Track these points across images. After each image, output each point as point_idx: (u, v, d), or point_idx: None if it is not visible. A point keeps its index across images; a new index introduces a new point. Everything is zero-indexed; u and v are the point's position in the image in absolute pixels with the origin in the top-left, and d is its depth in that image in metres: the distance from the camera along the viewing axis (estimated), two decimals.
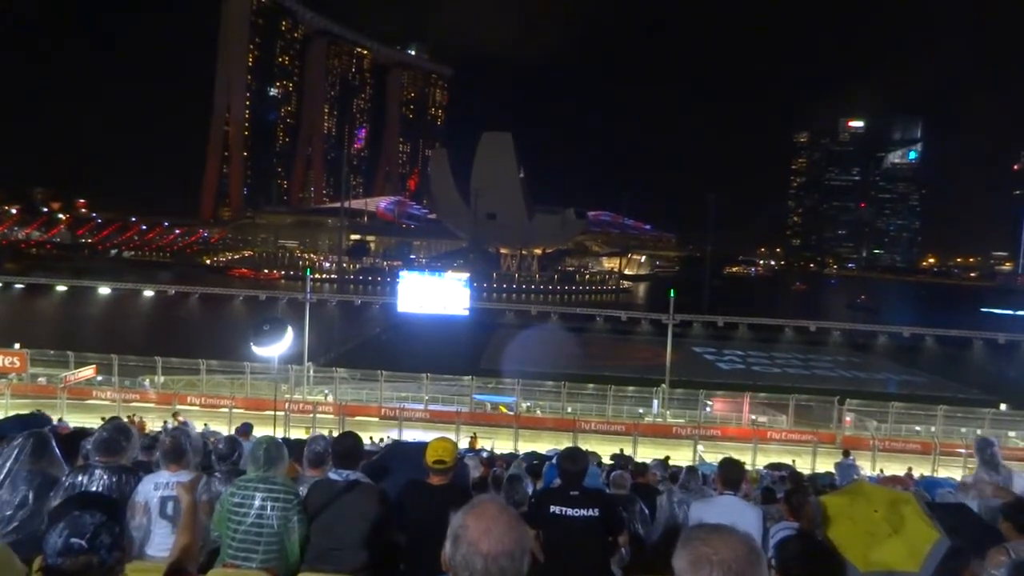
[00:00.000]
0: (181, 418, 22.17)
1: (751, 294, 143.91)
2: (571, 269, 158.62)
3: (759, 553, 1.70)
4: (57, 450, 4.48)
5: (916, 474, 19.49)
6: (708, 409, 35.65)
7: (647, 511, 6.53)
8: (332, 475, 4.43)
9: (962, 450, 27.99)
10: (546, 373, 38.29)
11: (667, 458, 18.67)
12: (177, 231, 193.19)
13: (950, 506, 5.08)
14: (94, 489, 4.09)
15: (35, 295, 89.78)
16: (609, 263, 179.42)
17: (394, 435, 26.63)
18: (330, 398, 35.53)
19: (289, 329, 15.99)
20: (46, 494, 4.04)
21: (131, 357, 34.73)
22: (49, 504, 3.98)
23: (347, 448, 4.59)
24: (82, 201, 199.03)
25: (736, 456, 6.29)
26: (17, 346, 35.83)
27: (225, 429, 21.97)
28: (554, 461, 7.87)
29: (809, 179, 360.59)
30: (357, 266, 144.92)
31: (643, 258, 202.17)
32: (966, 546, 3.76)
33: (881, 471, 23.31)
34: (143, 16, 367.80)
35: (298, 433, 23.10)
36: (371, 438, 22.55)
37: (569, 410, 34.17)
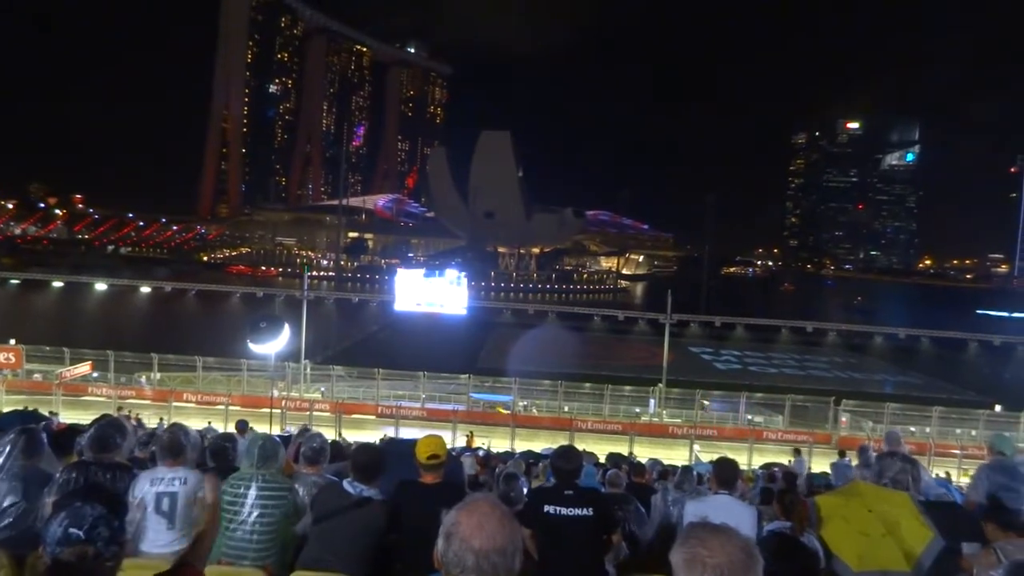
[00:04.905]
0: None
1: (742, 294, 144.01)
2: (569, 268, 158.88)
3: (757, 559, 1.70)
4: (48, 447, 4.47)
5: None
6: (705, 409, 35.74)
7: (643, 510, 6.54)
8: (347, 486, 4.33)
9: (957, 451, 28.12)
10: (543, 372, 38.32)
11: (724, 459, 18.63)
12: (174, 228, 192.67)
13: (944, 506, 5.08)
14: None
15: (31, 291, 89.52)
16: (607, 262, 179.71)
17: (391, 433, 26.63)
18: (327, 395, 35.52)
19: (286, 326, 16.05)
20: (39, 491, 4.02)
21: (127, 354, 34.71)
22: (42, 501, 3.97)
23: (367, 462, 4.46)
24: (79, 197, 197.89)
25: (732, 456, 6.31)
26: (13, 342, 35.74)
27: (221, 426, 21.95)
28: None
29: (807, 180, 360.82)
30: (355, 264, 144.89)
31: (641, 258, 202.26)
32: (959, 547, 3.77)
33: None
34: (142, 11, 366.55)
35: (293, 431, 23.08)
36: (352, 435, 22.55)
37: (566, 409, 34.22)
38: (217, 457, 5.35)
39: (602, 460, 14.96)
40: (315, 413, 30.21)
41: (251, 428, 12.26)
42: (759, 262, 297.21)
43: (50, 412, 24.98)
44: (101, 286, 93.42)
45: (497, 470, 9.78)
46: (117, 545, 2.06)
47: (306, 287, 45.00)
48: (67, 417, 20.44)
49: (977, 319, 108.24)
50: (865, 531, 3.87)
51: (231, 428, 14.09)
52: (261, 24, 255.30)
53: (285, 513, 4.15)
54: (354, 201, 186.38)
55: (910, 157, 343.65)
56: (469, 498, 1.88)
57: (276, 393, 28.56)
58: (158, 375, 34.72)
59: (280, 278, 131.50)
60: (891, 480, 4.40)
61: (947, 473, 21.16)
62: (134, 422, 19.17)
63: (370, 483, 4.38)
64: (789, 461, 19.45)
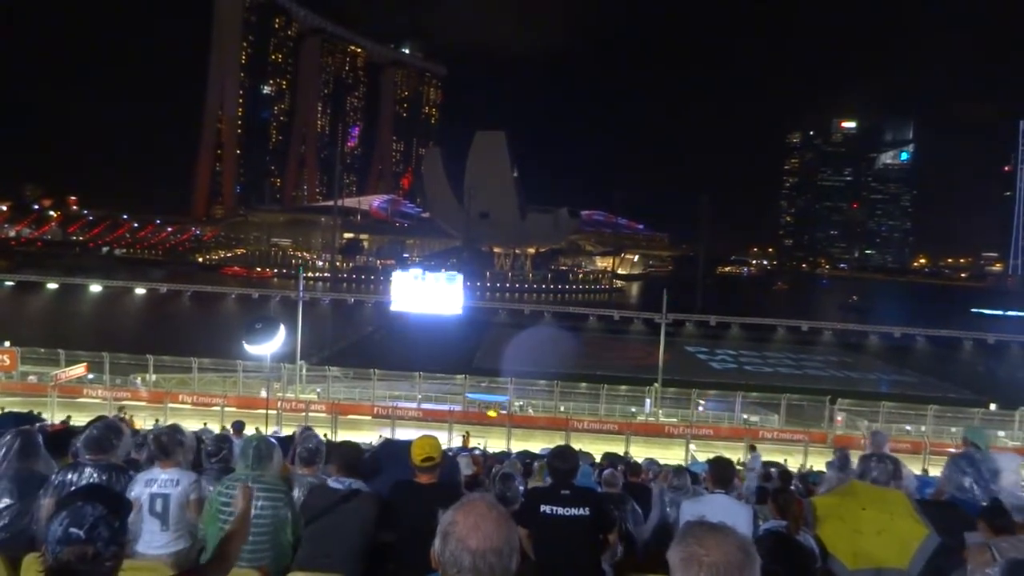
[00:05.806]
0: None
1: (737, 294, 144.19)
2: (564, 268, 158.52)
3: (754, 558, 1.69)
4: (44, 448, 4.45)
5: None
6: (701, 408, 35.77)
7: (639, 510, 6.55)
8: (332, 483, 4.39)
9: (952, 449, 28.15)
10: (539, 372, 38.31)
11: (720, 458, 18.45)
12: (169, 229, 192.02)
13: (939, 504, 5.11)
14: None
15: (25, 293, 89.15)
16: (602, 262, 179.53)
17: (387, 433, 26.58)
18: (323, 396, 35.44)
19: (281, 327, 15.99)
20: (34, 493, 4.01)
21: (122, 355, 34.58)
22: (38, 503, 3.96)
23: (347, 455, 4.56)
24: (73, 198, 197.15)
25: (728, 455, 6.31)
26: (7, 344, 35.60)
27: (217, 427, 21.89)
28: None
29: (802, 179, 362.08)
30: (350, 264, 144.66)
31: (636, 257, 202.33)
32: (955, 544, 3.78)
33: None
34: (136, 12, 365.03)
35: (290, 432, 22.99)
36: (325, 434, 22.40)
37: (562, 409, 34.21)
38: (212, 458, 5.34)
39: (598, 460, 14.97)
40: (311, 414, 30.16)
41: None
42: (754, 261, 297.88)
43: (37, 413, 24.92)
44: (96, 287, 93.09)
45: (493, 470, 9.78)
46: (117, 546, 2.05)
47: (301, 288, 44.90)
48: (62, 419, 20.34)
49: (972, 317, 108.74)
50: (860, 529, 3.89)
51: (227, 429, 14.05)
52: (255, 25, 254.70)
53: (280, 514, 4.14)
54: (349, 202, 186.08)
55: (904, 156, 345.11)
56: (466, 498, 1.88)
57: (265, 393, 28.46)
58: (153, 376, 34.60)
59: (275, 279, 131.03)
60: (873, 482, 4.44)
61: (924, 470, 21.31)
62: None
63: (354, 476, 4.41)
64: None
